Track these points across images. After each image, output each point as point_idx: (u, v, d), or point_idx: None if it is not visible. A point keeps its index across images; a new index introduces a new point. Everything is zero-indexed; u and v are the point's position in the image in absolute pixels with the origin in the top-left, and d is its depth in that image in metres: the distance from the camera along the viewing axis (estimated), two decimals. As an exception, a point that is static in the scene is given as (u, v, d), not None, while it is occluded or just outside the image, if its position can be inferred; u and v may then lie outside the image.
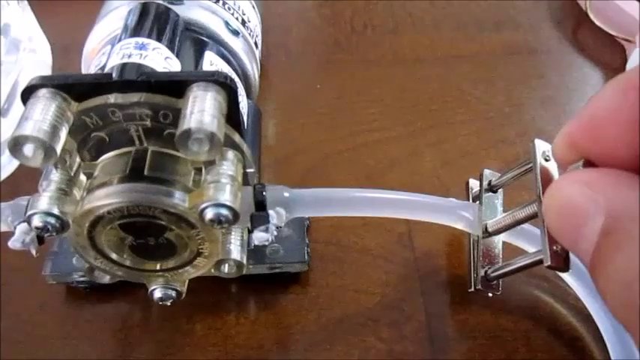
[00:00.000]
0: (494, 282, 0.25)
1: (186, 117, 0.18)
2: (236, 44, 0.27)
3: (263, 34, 0.34)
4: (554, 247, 0.21)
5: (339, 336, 0.26)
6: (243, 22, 0.28)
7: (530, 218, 0.23)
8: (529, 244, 0.26)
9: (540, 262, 0.22)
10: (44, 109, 0.19)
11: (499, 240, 0.26)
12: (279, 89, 0.37)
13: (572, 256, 0.25)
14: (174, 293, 0.24)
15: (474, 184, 0.28)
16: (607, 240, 0.15)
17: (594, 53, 0.40)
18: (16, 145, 0.18)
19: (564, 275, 0.26)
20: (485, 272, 0.25)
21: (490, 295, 0.25)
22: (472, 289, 0.25)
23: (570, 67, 0.39)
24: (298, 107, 0.36)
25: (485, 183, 0.27)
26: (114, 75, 0.20)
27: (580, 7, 0.42)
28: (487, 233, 0.25)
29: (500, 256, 0.26)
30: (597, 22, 0.41)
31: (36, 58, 0.33)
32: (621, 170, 0.16)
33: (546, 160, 0.23)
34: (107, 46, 0.25)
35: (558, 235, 0.18)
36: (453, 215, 0.25)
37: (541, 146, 0.24)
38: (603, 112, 0.17)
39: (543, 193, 0.22)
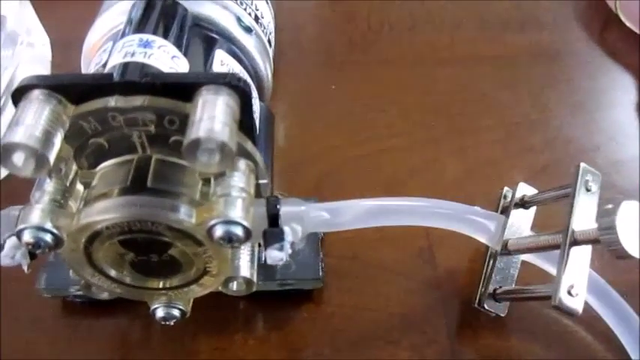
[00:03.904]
0: (502, 303, 0.24)
1: (194, 124, 0.17)
2: (248, 42, 0.25)
3: (275, 31, 0.32)
4: (569, 287, 0.20)
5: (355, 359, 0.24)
6: (257, 18, 0.26)
7: (553, 248, 0.22)
8: (553, 267, 0.24)
9: (549, 297, 0.20)
10: (37, 112, 0.17)
11: (518, 260, 0.24)
12: (291, 90, 0.35)
13: (597, 288, 0.23)
14: (177, 313, 0.22)
15: (509, 193, 0.26)
16: None
17: (624, 55, 0.38)
18: (4, 153, 0.16)
19: (594, 303, 0.24)
20: (495, 290, 0.24)
21: (493, 315, 0.24)
22: (475, 305, 0.24)
23: (599, 70, 0.37)
24: (311, 110, 0.34)
25: (518, 196, 0.25)
26: (115, 76, 0.18)
27: (608, 7, 0.40)
28: (507, 250, 0.23)
29: (515, 277, 0.24)
30: (627, 23, 0.39)
31: (34, 52, 0.32)
32: None
33: (587, 190, 0.22)
34: (109, 42, 0.23)
35: None
36: (474, 225, 0.23)
37: (585, 173, 0.22)
38: None
39: (574, 227, 0.21)
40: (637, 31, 0.39)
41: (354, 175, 0.30)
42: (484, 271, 0.24)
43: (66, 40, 0.35)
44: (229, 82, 0.18)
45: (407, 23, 0.39)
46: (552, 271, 0.24)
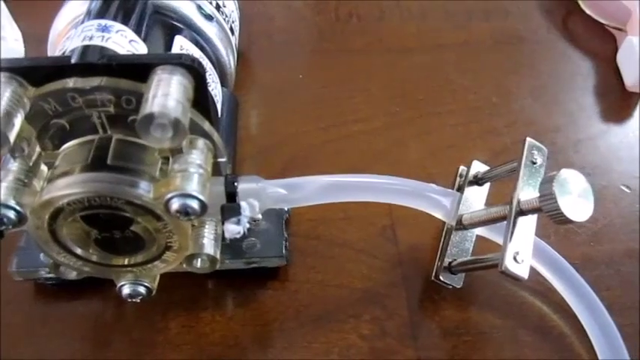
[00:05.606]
0: (457, 275, 0.25)
1: (148, 101, 0.17)
2: (209, 29, 0.26)
3: (245, 22, 0.33)
4: (515, 254, 0.21)
5: (319, 333, 0.25)
6: (218, 7, 0.27)
7: (502, 219, 0.23)
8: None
9: (496, 265, 0.21)
10: (-3, 94, 0.18)
11: (473, 234, 0.25)
12: (261, 79, 0.36)
13: (551, 259, 0.25)
14: (143, 289, 0.23)
15: (465, 172, 0.27)
16: None
17: (584, 42, 0.39)
18: (-35, 131, 0.17)
19: (548, 276, 0.25)
20: (450, 263, 0.24)
21: (449, 286, 0.25)
22: (432, 278, 0.25)
23: (560, 56, 0.38)
24: (281, 97, 0.35)
25: (472, 174, 0.26)
26: (73, 58, 0.19)
27: (571, -4, 0.42)
28: (461, 225, 0.24)
29: (470, 251, 0.25)
30: (587, 11, 0.40)
31: (6, 46, 0.32)
32: None
33: (533, 164, 0.23)
34: (72, 30, 0.24)
35: None
36: (430, 201, 0.24)
37: (531, 147, 0.23)
38: None
39: (520, 197, 0.22)
40: (597, 19, 0.40)
41: (320, 160, 0.31)
42: (440, 245, 0.25)
43: (39, 35, 0.35)
44: (183, 62, 0.18)
45: (375, 13, 0.40)
46: (500, 241, 0.25)
